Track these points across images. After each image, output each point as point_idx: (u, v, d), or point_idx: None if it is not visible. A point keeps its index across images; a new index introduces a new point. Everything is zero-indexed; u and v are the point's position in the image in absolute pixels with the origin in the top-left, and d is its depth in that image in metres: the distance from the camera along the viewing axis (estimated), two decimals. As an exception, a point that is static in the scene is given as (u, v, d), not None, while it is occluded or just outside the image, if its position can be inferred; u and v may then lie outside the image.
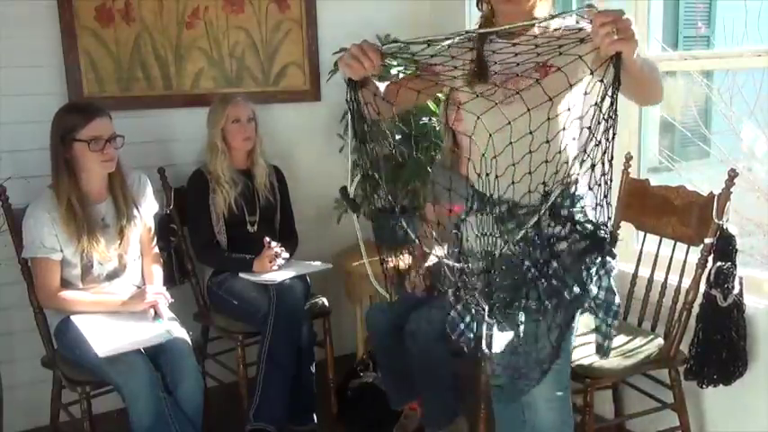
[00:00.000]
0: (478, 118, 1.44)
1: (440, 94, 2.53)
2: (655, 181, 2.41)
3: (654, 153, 3.43)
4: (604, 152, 1.36)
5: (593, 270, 1.50)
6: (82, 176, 2.30)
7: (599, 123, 1.34)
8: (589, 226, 1.52)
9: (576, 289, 1.48)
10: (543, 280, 1.49)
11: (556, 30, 1.51)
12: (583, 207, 1.56)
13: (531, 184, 1.45)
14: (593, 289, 1.52)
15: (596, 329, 1.65)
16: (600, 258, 1.50)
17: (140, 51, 2.84)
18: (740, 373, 2.10)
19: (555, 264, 1.49)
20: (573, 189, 1.54)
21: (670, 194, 2.29)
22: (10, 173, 2.47)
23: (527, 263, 1.50)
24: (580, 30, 1.39)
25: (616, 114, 1.34)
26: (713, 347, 2.08)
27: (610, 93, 1.32)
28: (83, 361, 2.20)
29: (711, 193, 2.10)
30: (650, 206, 2.35)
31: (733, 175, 2.06)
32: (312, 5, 3.15)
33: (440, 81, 1.59)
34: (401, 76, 2.27)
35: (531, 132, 1.39)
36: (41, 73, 2.67)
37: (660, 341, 2.23)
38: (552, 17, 1.46)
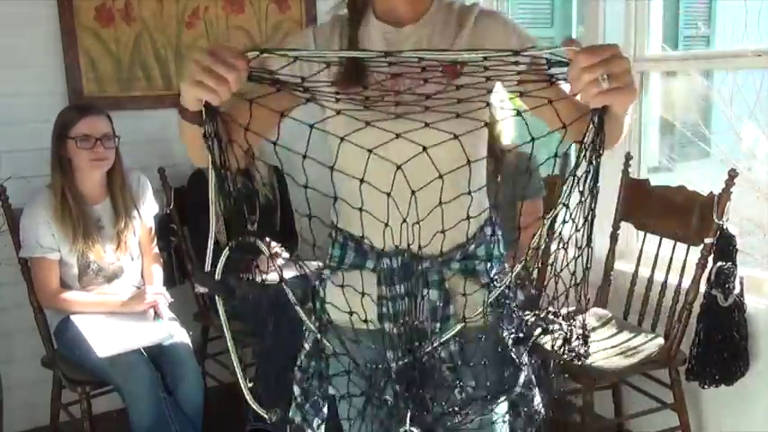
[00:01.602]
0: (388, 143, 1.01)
1: None
2: (655, 181, 2.41)
3: (654, 153, 3.43)
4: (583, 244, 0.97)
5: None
6: (77, 175, 2.30)
7: (578, 202, 0.96)
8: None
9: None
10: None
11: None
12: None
13: (440, 228, 1.07)
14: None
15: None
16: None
17: (140, 51, 2.84)
18: (741, 373, 2.10)
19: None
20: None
21: (670, 194, 2.29)
22: (10, 173, 2.46)
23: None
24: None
25: (597, 191, 0.95)
26: (715, 347, 2.07)
27: (589, 158, 0.93)
28: (83, 361, 2.20)
29: (711, 193, 2.10)
30: (650, 206, 2.35)
31: (733, 175, 2.05)
32: (312, 5, 3.14)
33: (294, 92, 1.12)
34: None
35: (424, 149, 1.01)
36: (41, 73, 2.67)
37: (660, 341, 2.23)
38: (516, 53, 0.91)
